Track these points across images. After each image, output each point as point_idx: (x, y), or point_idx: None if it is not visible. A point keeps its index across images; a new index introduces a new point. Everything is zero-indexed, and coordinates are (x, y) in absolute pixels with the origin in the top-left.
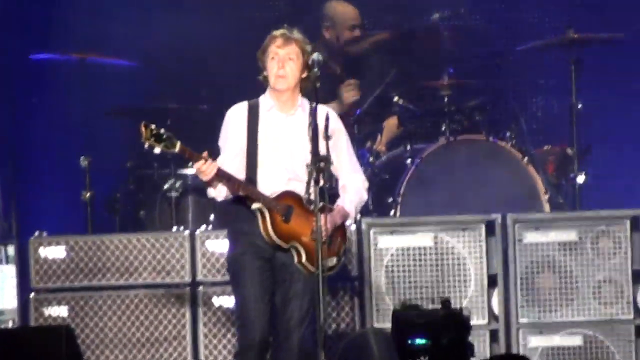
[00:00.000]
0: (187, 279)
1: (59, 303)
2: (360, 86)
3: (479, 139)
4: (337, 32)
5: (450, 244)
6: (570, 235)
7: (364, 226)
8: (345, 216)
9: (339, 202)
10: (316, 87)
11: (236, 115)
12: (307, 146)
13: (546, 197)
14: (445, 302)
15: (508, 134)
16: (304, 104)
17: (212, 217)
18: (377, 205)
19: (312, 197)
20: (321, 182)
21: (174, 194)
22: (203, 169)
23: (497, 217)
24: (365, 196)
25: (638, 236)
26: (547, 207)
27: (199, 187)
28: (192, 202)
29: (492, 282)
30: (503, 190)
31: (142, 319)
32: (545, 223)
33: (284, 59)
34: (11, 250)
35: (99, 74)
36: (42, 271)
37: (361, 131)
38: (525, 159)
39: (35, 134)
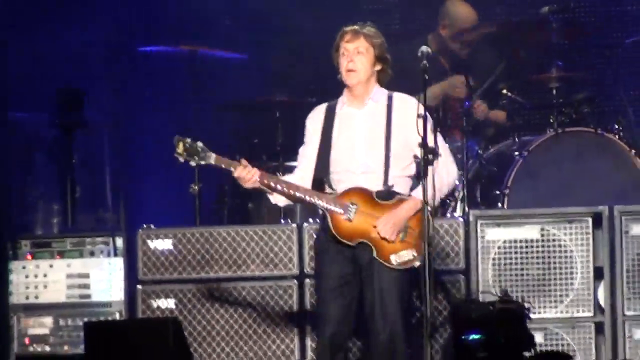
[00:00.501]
0: (295, 271)
1: (166, 295)
2: (470, 78)
3: (587, 132)
4: (454, 31)
5: (557, 236)
6: None
7: (471, 218)
8: (418, 206)
9: (413, 193)
10: (424, 79)
11: (312, 119)
12: (381, 137)
13: None
14: (503, 295)
15: (616, 126)
16: (377, 95)
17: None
18: (485, 197)
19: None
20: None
21: None
22: (242, 175)
23: (604, 209)
24: (446, 179)
25: None
26: None
27: None
28: None
29: (598, 274)
30: (610, 182)
31: (249, 311)
32: None
33: (353, 53)
34: (119, 242)
35: (208, 67)
36: (149, 263)
37: (470, 123)
38: (633, 151)
39: (145, 126)
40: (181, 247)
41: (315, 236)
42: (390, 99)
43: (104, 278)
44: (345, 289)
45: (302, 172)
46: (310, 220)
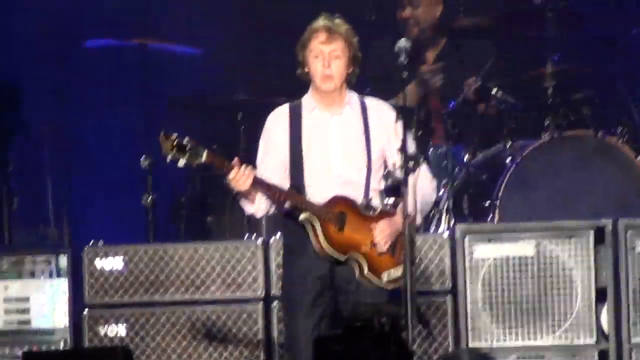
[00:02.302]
0: (260, 293)
1: (116, 321)
2: (455, 76)
3: (587, 135)
4: (422, 12)
5: (554, 253)
6: None
7: (458, 233)
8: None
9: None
10: (402, 78)
11: (276, 122)
12: (361, 146)
13: None
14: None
15: (620, 129)
16: (351, 100)
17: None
18: (473, 209)
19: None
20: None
21: None
22: (238, 177)
23: (607, 222)
24: (433, 196)
25: None
26: None
27: None
28: None
29: (601, 296)
30: (614, 192)
31: (209, 338)
32: None
33: (329, 58)
34: (63, 261)
35: (161, 62)
36: (97, 285)
37: (456, 126)
38: (639, 157)
39: (91, 130)
40: (133, 266)
41: (283, 260)
42: (363, 103)
43: (45, 302)
44: (320, 322)
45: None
46: (278, 234)
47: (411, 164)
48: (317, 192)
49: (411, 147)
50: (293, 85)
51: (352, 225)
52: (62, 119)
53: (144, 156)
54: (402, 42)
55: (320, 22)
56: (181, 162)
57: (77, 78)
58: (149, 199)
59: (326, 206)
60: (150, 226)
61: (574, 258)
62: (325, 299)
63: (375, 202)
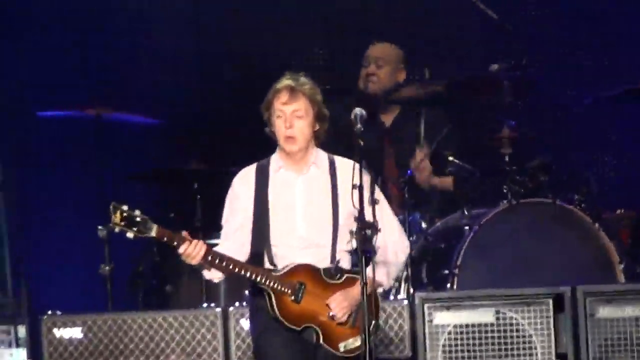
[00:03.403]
0: None
1: None
2: (411, 142)
3: (545, 202)
4: (367, 69)
5: (514, 320)
6: None
7: (417, 301)
8: (376, 286)
9: (368, 272)
10: (360, 145)
11: (242, 182)
12: (327, 207)
13: (621, 266)
14: None
15: (576, 196)
16: (319, 159)
17: (247, 292)
18: (432, 277)
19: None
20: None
21: None
22: (189, 251)
23: (566, 289)
24: (402, 260)
25: None
26: (622, 277)
27: None
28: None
29: None
30: (572, 259)
31: None
32: (620, 296)
33: (291, 118)
34: (22, 331)
35: (116, 133)
36: (56, 354)
37: (413, 194)
38: (597, 224)
39: (48, 200)
40: (91, 335)
41: (247, 319)
42: (332, 162)
43: None
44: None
45: (236, 246)
46: (237, 303)
47: (369, 232)
48: (283, 252)
49: (368, 214)
50: (248, 154)
51: (311, 296)
52: (19, 190)
53: (100, 226)
54: (358, 110)
55: (284, 81)
56: (129, 235)
57: (32, 148)
58: (107, 268)
59: (285, 275)
60: (108, 295)
61: (533, 325)
62: (296, 350)
63: (345, 264)
